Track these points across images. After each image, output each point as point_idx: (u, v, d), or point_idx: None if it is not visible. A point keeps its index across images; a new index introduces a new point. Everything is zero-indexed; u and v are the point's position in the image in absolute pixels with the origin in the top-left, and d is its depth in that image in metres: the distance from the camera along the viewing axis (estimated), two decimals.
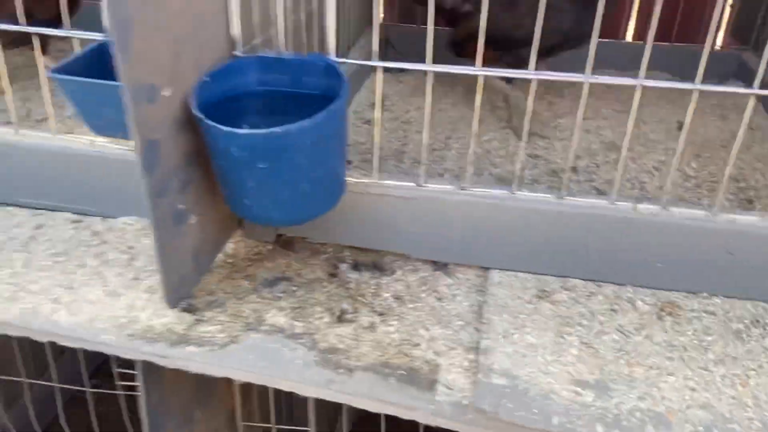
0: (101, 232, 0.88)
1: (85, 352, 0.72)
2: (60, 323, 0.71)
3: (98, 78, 0.75)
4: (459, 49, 1.12)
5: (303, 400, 0.78)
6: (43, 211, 0.92)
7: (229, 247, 0.86)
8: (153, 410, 0.77)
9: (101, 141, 0.87)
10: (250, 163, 0.65)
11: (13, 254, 0.82)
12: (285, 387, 0.65)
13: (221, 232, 0.85)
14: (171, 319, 0.72)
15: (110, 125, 0.75)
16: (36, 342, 0.72)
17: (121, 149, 0.86)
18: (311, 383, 0.65)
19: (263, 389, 0.85)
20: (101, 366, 1.62)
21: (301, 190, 0.69)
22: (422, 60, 0.74)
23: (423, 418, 0.61)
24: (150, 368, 0.73)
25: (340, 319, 0.75)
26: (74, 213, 0.92)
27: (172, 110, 0.66)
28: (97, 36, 0.80)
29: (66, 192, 0.91)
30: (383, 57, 0.76)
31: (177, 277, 0.73)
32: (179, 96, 0.67)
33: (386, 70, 0.76)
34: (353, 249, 0.87)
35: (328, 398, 0.64)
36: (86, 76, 0.75)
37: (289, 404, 1.11)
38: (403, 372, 0.67)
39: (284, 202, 0.70)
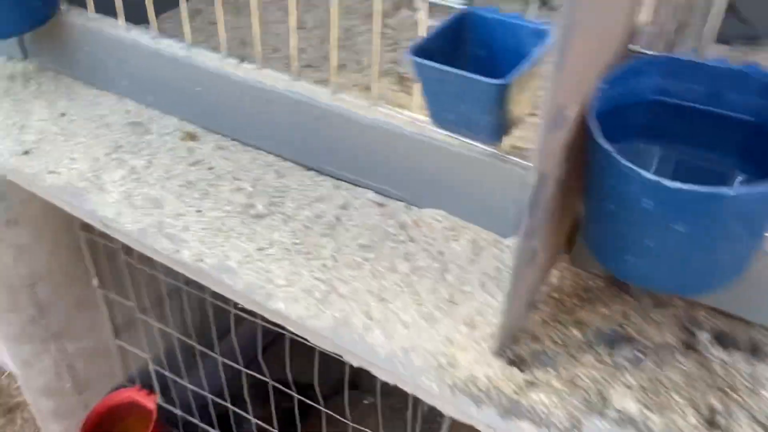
0: (407, 225, 0.77)
1: None
2: (375, 348, 0.62)
3: (450, 60, 0.62)
4: None
5: None
6: (345, 184, 0.84)
7: (554, 276, 0.71)
8: None
9: (422, 121, 0.75)
10: (662, 220, 0.48)
11: (321, 239, 0.75)
12: None
13: (550, 260, 0.70)
14: (497, 372, 0.60)
15: (462, 123, 0.62)
16: None
17: (442, 135, 0.73)
18: None
19: None
20: None
21: (718, 261, 0.50)
22: None
23: None
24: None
25: (711, 423, 0.57)
26: (376, 192, 0.83)
27: (568, 133, 0.50)
28: (455, 3, 0.66)
29: (372, 168, 0.82)
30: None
31: (511, 321, 0.60)
32: (576, 114, 0.50)
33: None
34: (711, 310, 0.67)
35: None
36: (441, 58, 0.62)
37: None
38: None
39: (687, 271, 0.52)
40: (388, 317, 0.65)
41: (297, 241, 0.74)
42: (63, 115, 0.94)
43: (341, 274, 0.70)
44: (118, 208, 0.77)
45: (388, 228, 0.77)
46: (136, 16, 1.02)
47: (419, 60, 0.58)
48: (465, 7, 0.65)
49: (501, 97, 0.57)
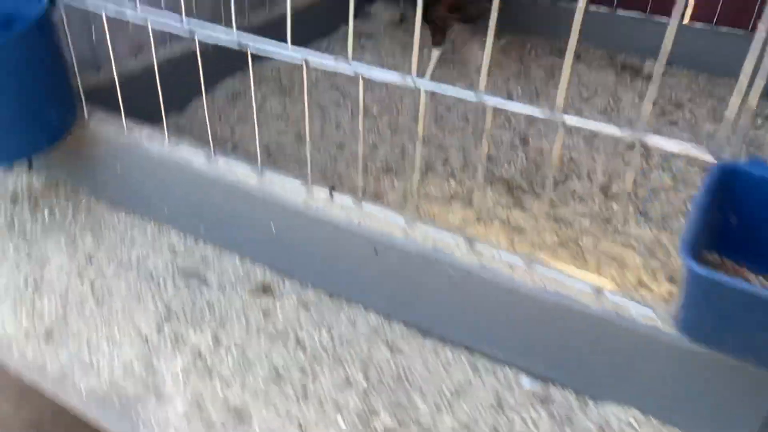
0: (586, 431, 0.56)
1: None
2: None
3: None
4: None
5: None
6: (481, 359, 0.62)
7: None
8: None
9: (610, 293, 0.54)
10: None
11: None
12: None
13: None
14: None
15: (747, 350, 0.41)
16: None
17: (643, 317, 0.52)
18: None
19: None
20: None
21: None
22: None
23: None
24: None
25: None
26: (530, 374, 0.61)
27: None
28: (705, 154, 0.45)
29: (525, 344, 0.60)
30: None
31: None
32: None
33: None
34: None
35: None
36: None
37: None
38: None
39: None
40: None
41: None
42: (89, 259, 0.71)
43: None
44: (187, 430, 0.54)
45: None
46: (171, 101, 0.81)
47: (718, 279, 0.37)
48: (721, 163, 0.44)
49: None
